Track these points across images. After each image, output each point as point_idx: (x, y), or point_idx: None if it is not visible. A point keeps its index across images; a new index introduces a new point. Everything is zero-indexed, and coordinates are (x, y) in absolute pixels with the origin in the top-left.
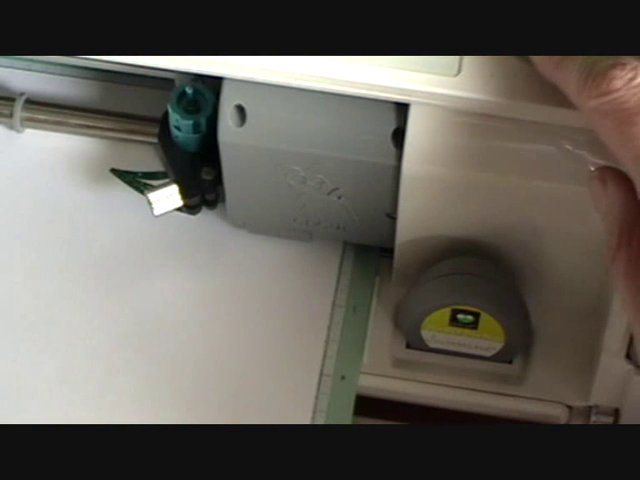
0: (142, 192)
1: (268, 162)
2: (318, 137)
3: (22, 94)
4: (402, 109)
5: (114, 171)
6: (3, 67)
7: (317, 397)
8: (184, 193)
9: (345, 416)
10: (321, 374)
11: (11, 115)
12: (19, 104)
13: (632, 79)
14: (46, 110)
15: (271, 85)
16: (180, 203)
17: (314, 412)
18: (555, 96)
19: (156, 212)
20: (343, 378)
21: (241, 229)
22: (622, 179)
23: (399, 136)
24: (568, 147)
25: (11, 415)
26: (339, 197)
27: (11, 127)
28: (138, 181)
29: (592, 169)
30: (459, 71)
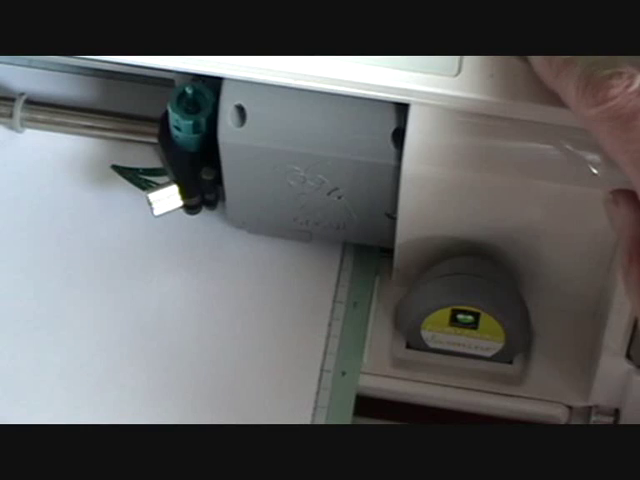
0: (143, 188)
1: (268, 162)
2: (318, 137)
3: (22, 94)
4: (402, 109)
5: (115, 167)
6: (3, 64)
7: (318, 393)
8: (184, 193)
9: (346, 412)
10: (322, 370)
11: (11, 115)
12: (19, 104)
13: (628, 86)
14: (46, 110)
15: (271, 85)
16: (180, 203)
17: (315, 408)
18: (555, 96)
19: (156, 212)
20: (344, 374)
21: (241, 229)
22: (633, 199)
23: (399, 136)
24: (568, 147)
25: (12, 410)
26: (339, 197)
27: (11, 127)
28: (139, 177)
29: (596, 174)
30: (459, 71)
